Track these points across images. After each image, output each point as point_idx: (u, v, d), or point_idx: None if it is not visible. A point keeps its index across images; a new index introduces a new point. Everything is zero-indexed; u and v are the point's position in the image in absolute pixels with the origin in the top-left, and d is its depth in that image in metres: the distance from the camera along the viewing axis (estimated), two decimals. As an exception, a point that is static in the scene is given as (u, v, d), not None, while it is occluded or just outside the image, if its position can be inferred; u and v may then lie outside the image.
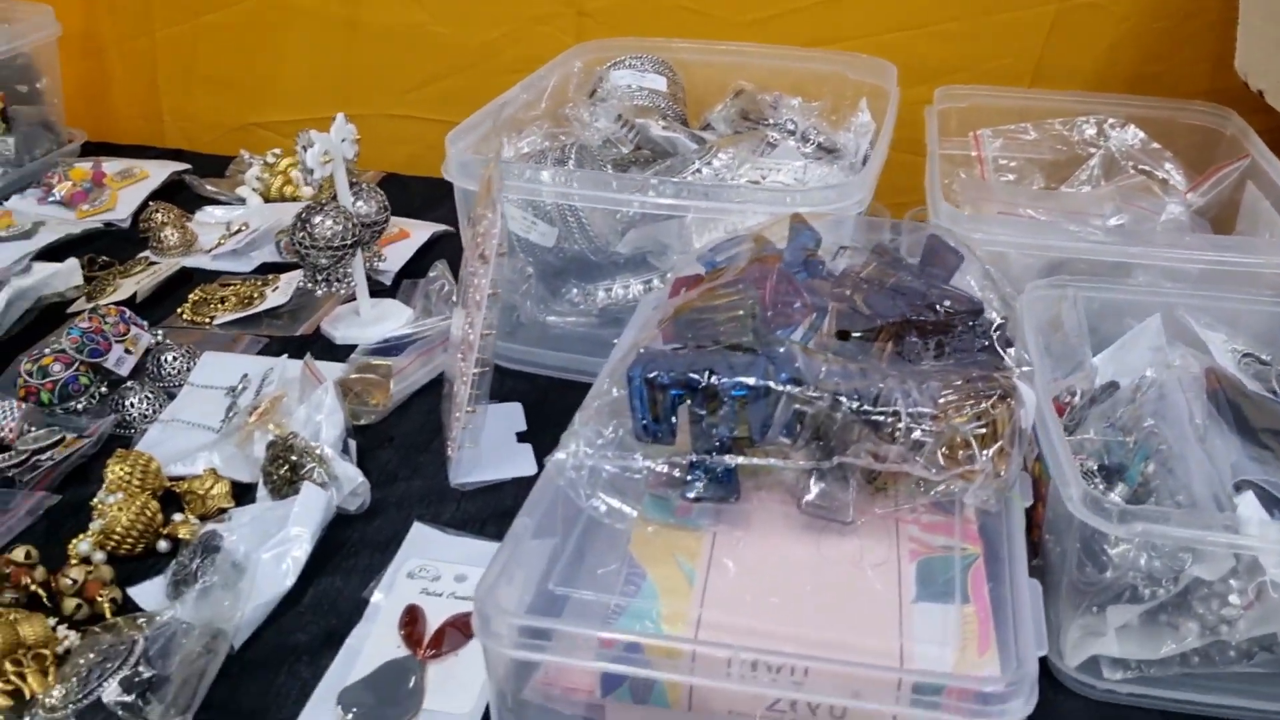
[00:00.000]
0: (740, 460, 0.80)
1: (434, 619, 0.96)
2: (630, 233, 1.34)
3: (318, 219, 1.31)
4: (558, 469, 0.82)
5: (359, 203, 1.36)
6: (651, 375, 0.80)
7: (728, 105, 1.54)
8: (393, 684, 0.91)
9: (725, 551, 0.81)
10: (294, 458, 1.10)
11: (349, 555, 1.06)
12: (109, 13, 1.94)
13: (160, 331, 1.36)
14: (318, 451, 1.10)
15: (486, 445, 1.18)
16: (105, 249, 1.58)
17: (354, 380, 1.25)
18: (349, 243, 1.32)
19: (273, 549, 1.00)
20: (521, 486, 1.12)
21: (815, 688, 0.68)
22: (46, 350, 1.28)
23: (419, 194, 1.76)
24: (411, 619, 0.96)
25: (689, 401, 0.79)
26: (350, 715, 0.88)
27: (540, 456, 1.17)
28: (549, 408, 1.26)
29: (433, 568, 1.02)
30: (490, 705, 0.80)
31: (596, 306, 1.34)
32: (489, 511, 1.11)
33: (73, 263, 1.45)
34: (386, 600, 0.99)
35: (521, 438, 1.21)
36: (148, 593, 1.02)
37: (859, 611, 0.76)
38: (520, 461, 1.18)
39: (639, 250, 1.36)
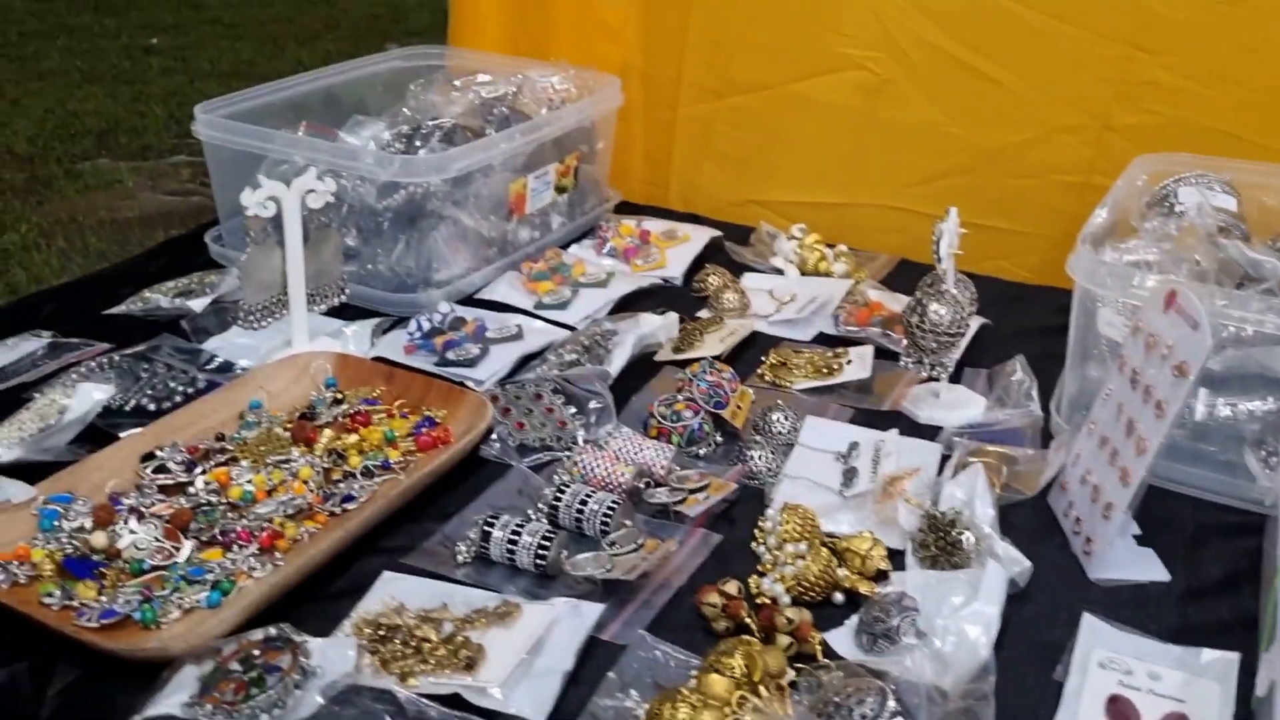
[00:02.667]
0: None
1: (1145, 713, 1.00)
2: (1229, 351, 1.37)
3: (933, 306, 1.40)
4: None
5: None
6: None
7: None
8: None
9: None
10: (955, 532, 1.17)
11: (1017, 633, 1.11)
12: (643, 88, 2.13)
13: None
14: (982, 529, 1.16)
15: (1115, 545, 1.22)
16: (663, 303, 1.72)
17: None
18: (959, 332, 1.40)
19: (968, 621, 1.07)
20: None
21: None
22: (679, 397, 1.41)
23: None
24: (1123, 711, 1.01)
25: None
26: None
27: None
28: (1149, 515, 1.29)
29: (1121, 661, 1.06)
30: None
31: (1192, 419, 1.37)
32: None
33: (673, 317, 1.60)
34: (1082, 686, 1.04)
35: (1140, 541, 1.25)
36: (836, 640, 1.10)
37: None
38: (1149, 566, 1.21)
39: (1231, 370, 1.38)
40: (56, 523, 1.18)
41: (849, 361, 1.56)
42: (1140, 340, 1.21)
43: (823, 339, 1.66)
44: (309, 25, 8.03)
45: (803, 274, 1.83)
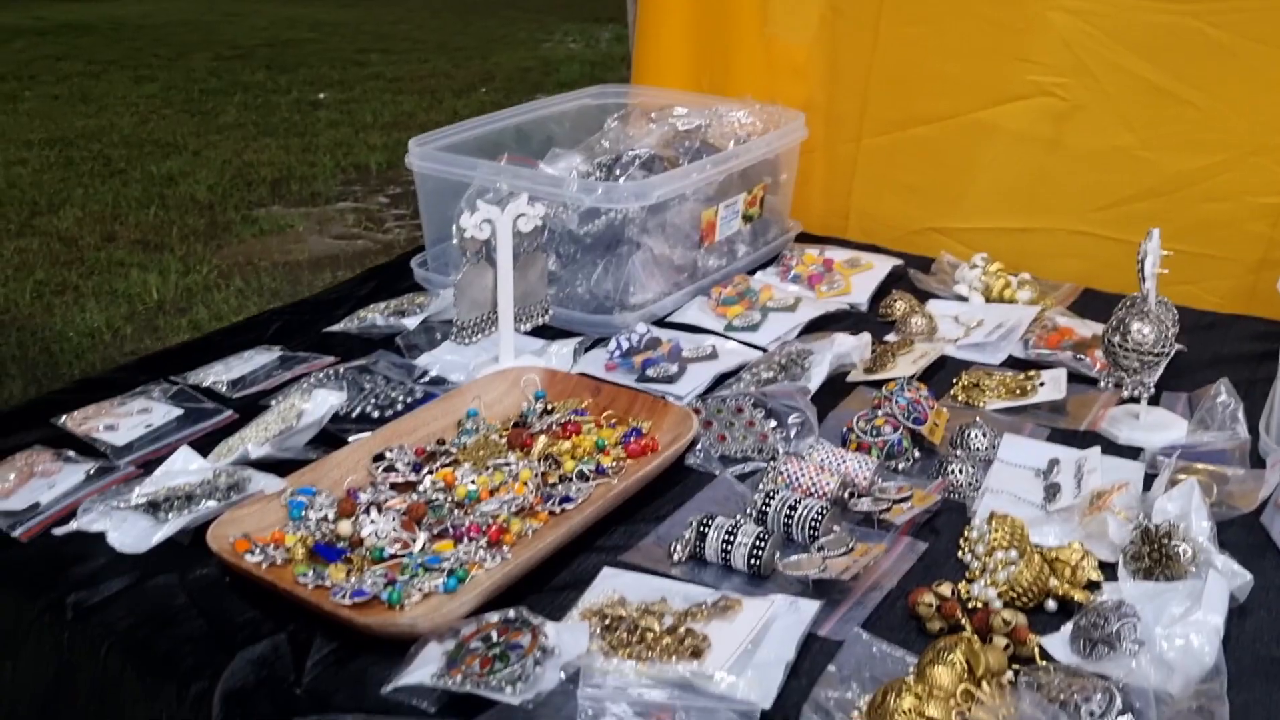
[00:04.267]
0: None
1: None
2: None
3: (1136, 325, 1.40)
4: None
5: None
6: None
7: None
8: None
9: None
10: (1171, 544, 1.17)
11: (1241, 646, 1.10)
12: (825, 122, 2.19)
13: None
14: (1199, 541, 1.16)
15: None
16: (850, 328, 1.76)
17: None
18: (1163, 351, 1.40)
19: (1192, 629, 1.07)
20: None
21: None
22: (878, 413, 1.44)
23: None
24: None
25: None
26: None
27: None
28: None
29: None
30: None
31: None
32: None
33: (866, 337, 1.64)
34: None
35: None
36: (1052, 645, 1.12)
37: None
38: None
39: None
40: (304, 512, 1.28)
41: (1042, 383, 1.57)
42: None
43: (1013, 363, 1.67)
44: (465, 79, 8.39)
45: (987, 301, 1.85)
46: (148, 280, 4.62)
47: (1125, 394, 1.45)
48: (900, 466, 1.42)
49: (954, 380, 1.61)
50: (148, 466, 1.40)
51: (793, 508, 1.27)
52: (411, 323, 1.76)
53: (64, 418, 1.51)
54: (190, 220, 5.49)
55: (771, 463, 1.38)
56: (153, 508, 1.29)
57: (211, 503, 1.28)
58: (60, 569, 1.24)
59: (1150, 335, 1.40)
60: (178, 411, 1.53)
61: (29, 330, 4.15)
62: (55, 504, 1.33)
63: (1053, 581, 1.18)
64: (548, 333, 1.74)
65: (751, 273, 1.95)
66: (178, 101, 7.76)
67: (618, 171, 1.78)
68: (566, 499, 1.32)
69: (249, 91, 8.00)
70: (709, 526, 1.23)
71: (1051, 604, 1.17)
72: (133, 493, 1.31)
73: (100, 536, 1.27)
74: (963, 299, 1.87)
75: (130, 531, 1.27)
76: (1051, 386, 1.56)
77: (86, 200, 5.69)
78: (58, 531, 1.28)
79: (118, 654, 1.15)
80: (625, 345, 1.66)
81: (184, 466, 1.37)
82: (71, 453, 1.42)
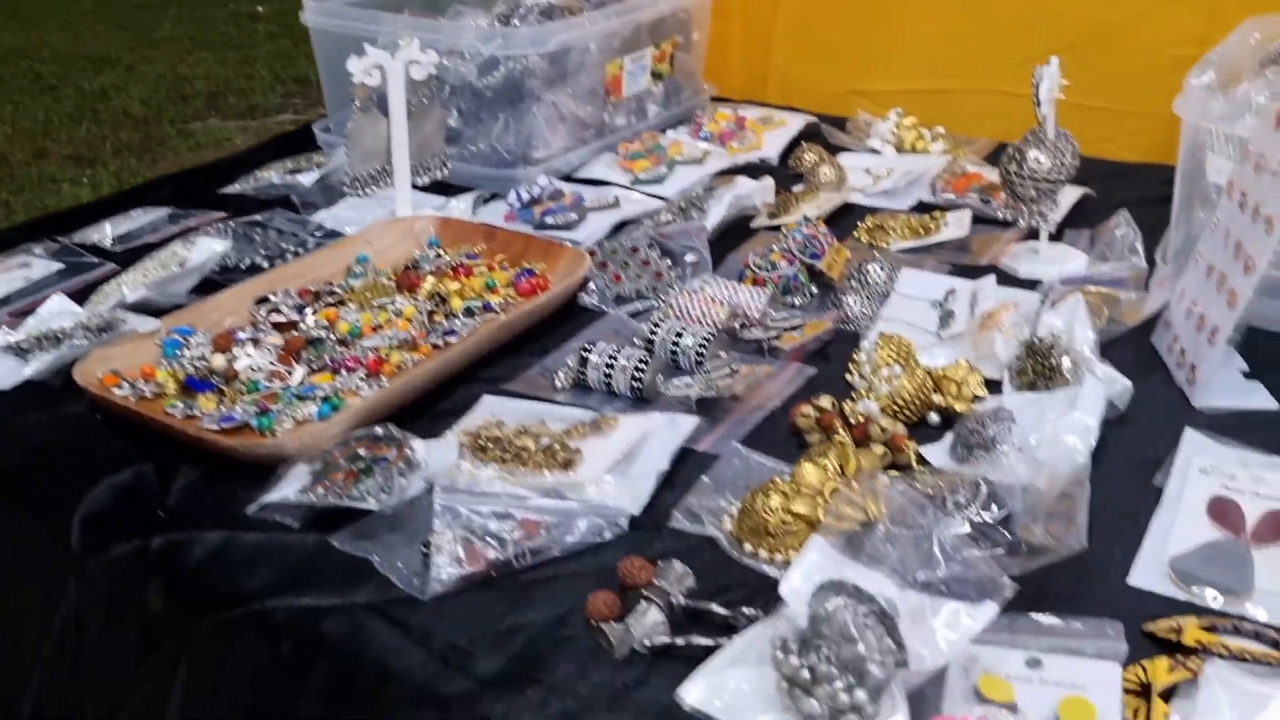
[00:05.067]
0: None
1: (1248, 511, 0.99)
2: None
3: (1033, 153, 1.38)
4: None
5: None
6: None
7: None
8: (1221, 561, 0.94)
9: None
10: (1053, 358, 1.16)
11: (1118, 449, 1.10)
12: (743, -17, 2.13)
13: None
14: (1081, 352, 1.15)
15: (1220, 377, 1.20)
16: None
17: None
18: (1059, 179, 1.38)
19: (1065, 430, 1.06)
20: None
21: None
22: (774, 248, 1.41)
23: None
24: (1224, 509, 0.99)
25: None
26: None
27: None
28: (1258, 354, 1.26)
29: (1224, 467, 1.04)
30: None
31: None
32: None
33: (769, 180, 1.60)
34: (1182, 490, 1.02)
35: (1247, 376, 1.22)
36: (932, 454, 1.11)
37: None
38: (1256, 395, 1.19)
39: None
40: (179, 351, 1.24)
41: (946, 223, 1.55)
42: (1249, 164, 1.18)
43: (921, 208, 1.65)
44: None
45: (899, 153, 1.82)
46: (80, 195, 4.51)
47: (1022, 223, 1.43)
48: (797, 302, 1.40)
49: (859, 223, 1.59)
50: (23, 317, 1.35)
51: (679, 335, 1.25)
52: (308, 179, 1.71)
53: (-61, 275, 1.46)
54: (124, 135, 5.35)
55: (663, 299, 1.35)
56: (20, 350, 1.25)
57: (82, 342, 1.24)
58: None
59: (1046, 163, 1.38)
60: (58, 266, 1.48)
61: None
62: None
63: (937, 397, 1.17)
64: (451, 191, 1.70)
65: (663, 131, 1.91)
66: (110, 16, 7.51)
67: (516, 21, 1.73)
68: (450, 332, 1.29)
69: (184, 5, 7.74)
70: (591, 351, 1.21)
71: (934, 417, 1.15)
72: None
73: (-32, 379, 1.23)
74: (875, 153, 1.83)
75: (-4, 371, 1.23)
76: (955, 226, 1.54)
77: (16, 117, 5.53)
78: (-77, 376, 1.24)
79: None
80: (526, 196, 1.62)
81: (57, 310, 1.32)
82: (-58, 308, 1.38)
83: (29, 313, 1.34)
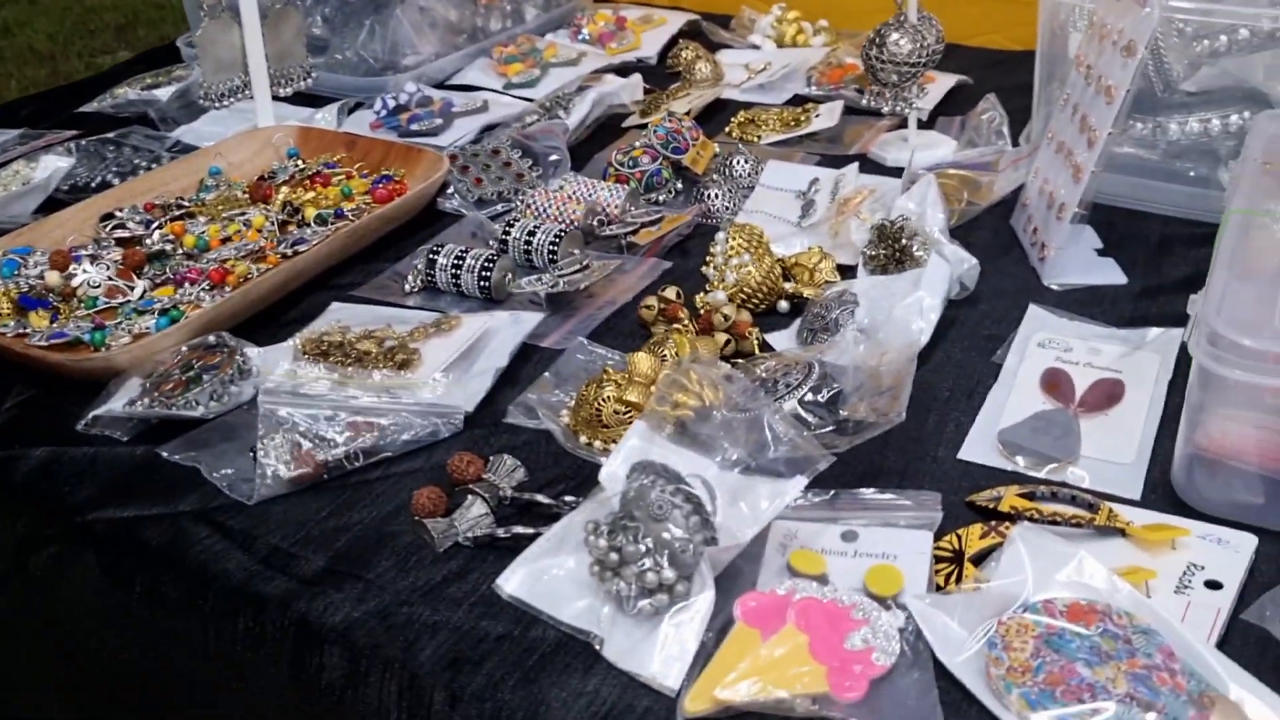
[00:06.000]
0: None
1: (1078, 381, 0.99)
2: (1204, 70, 1.31)
3: (894, 36, 1.36)
4: None
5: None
6: None
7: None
8: (1048, 431, 0.94)
9: None
10: (903, 241, 1.15)
11: (964, 328, 1.10)
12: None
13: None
14: (931, 234, 1.14)
15: (1072, 254, 1.19)
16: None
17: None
18: (920, 62, 1.36)
19: (906, 310, 1.05)
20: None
21: None
22: (636, 144, 1.39)
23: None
24: (1055, 380, 0.99)
25: None
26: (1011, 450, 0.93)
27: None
28: (1115, 232, 1.26)
29: (1062, 340, 1.04)
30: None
31: (1166, 139, 1.32)
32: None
33: (636, 77, 1.57)
34: (1020, 364, 1.03)
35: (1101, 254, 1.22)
36: (778, 340, 1.10)
37: None
38: (1107, 271, 1.19)
39: (1206, 88, 1.33)
40: (16, 271, 1.20)
41: (818, 115, 1.53)
42: (1094, 36, 1.17)
43: (796, 101, 1.63)
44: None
45: (779, 47, 1.79)
46: (-16, 134, 4.38)
47: (885, 109, 1.41)
48: (661, 198, 1.37)
49: (731, 119, 1.56)
50: None
51: (532, 233, 1.22)
52: (166, 94, 1.65)
53: None
54: (30, 72, 5.14)
55: (520, 199, 1.33)
56: None
57: (-89, 266, 1.20)
58: None
59: (906, 46, 1.35)
60: (-101, 191, 1.42)
61: None
62: None
63: (788, 285, 1.16)
64: (320, 104, 1.65)
65: (541, 35, 1.86)
66: (12, -52, 7.24)
67: (378, -83, 1.67)
68: (300, 241, 1.26)
69: (91, -66, 7.50)
70: (439, 253, 1.19)
71: (784, 305, 1.15)
72: None
73: None
74: (756, 48, 1.80)
75: None
76: (826, 117, 1.52)
77: (-87, 56, 5.34)
78: None
79: None
80: (392, 104, 1.58)
81: (-114, 235, 1.27)
82: None
83: None
